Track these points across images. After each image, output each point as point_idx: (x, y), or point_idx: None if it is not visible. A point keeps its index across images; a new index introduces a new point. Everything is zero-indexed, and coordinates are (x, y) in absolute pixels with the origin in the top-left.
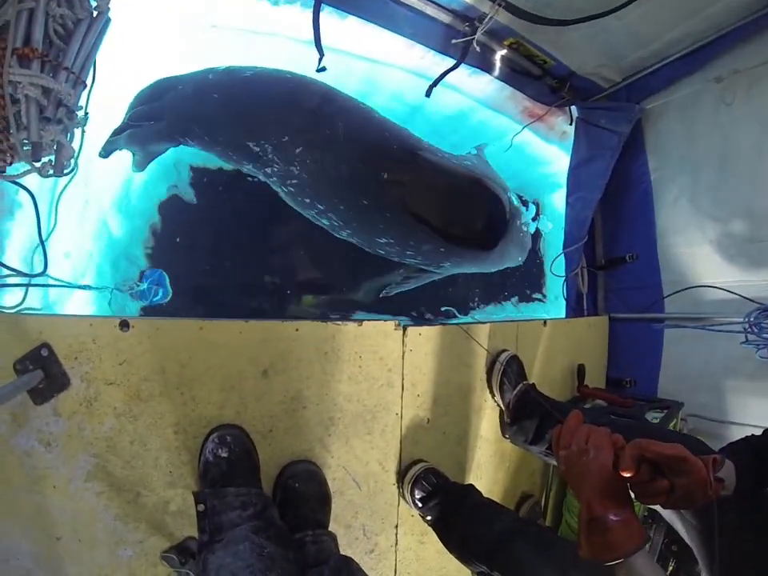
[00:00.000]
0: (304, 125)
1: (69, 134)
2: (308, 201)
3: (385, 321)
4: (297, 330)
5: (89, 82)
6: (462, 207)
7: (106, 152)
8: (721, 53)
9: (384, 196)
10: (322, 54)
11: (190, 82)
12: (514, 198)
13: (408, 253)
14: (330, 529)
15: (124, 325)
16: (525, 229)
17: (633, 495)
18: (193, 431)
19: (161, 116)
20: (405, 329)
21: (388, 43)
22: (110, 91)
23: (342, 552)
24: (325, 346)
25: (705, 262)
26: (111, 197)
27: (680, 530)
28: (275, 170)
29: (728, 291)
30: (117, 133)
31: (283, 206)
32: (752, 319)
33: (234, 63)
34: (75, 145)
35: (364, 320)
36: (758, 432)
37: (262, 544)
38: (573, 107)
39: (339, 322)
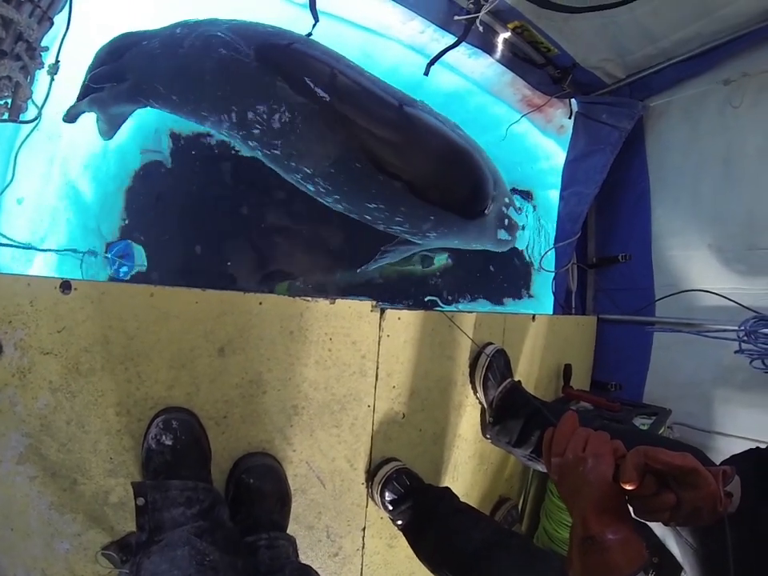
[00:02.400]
0: (290, 82)
1: (29, 75)
2: (293, 164)
3: (360, 300)
4: (260, 303)
5: (63, 25)
6: (456, 172)
7: (69, 117)
8: (731, 55)
9: (379, 156)
10: (316, 20)
11: (155, 38)
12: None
13: (397, 219)
14: (289, 530)
15: (66, 287)
16: (513, 215)
17: (631, 510)
18: (137, 413)
19: (123, 76)
20: (382, 311)
21: (387, 12)
22: (89, 42)
23: (303, 554)
24: (291, 324)
25: (701, 266)
26: (81, 155)
27: (672, 547)
28: (256, 132)
29: (724, 297)
30: (79, 98)
31: (264, 178)
32: (748, 327)
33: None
34: (42, 92)
35: (337, 298)
36: (747, 444)
37: (205, 550)
38: (573, 101)
39: (309, 298)
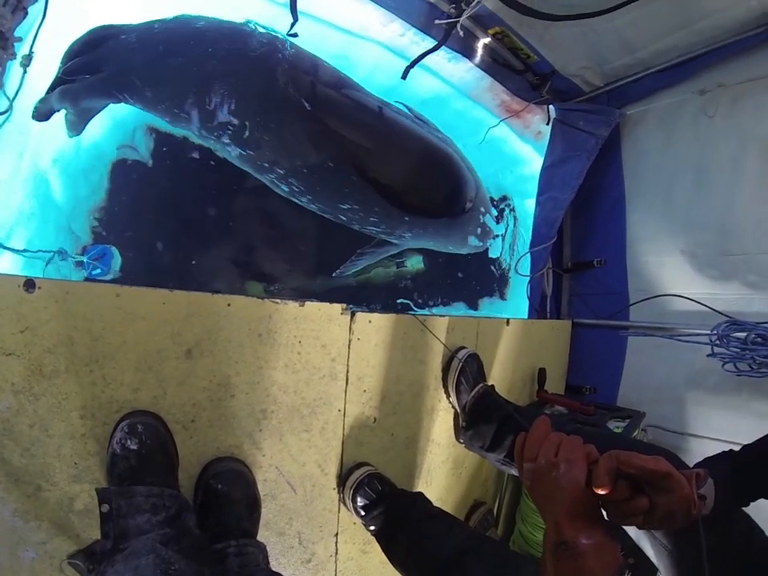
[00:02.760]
0: (264, 81)
1: (0, 65)
2: (267, 165)
3: (330, 303)
4: (228, 305)
5: (38, 15)
6: (434, 175)
7: (39, 114)
8: (707, 66)
9: (353, 157)
10: (296, 19)
11: (133, 31)
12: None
13: (371, 219)
14: (260, 536)
15: (29, 285)
16: (489, 222)
17: (605, 514)
18: (102, 417)
19: (98, 68)
20: (353, 314)
21: (368, 14)
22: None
23: (275, 561)
24: (259, 327)
25: (674, 271)
26: (52, 150)
27: (647, 549)
28: (230, 131)
29: (696, 302)
30: (50, 89)
31: (240, 177)
32: (720, 331)
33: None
34: (14, 83)
35: (306, 300)
36: (719, 445)
37: (170, 559)
38: (551, 107)
39: (277, 300)
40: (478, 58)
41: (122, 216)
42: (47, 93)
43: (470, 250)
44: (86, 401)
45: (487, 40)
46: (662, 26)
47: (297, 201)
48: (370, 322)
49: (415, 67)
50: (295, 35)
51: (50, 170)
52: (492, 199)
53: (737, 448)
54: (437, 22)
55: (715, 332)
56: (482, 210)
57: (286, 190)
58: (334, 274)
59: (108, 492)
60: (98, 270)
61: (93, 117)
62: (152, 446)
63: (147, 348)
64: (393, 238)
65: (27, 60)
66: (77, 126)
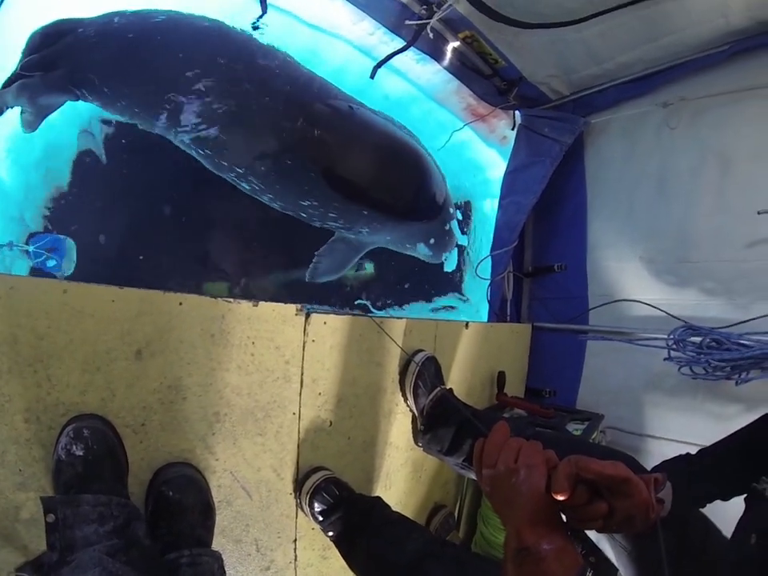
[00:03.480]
0: (222, 78)
1: None
2: (225, 164)
3: (285, 304)
4: (180, 303)
5: None
6: (398, 170)
7: None
8: (671, 80)
9: (310, 153)
10: (264, 11)
11: (91, 26)
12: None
13: (331, 215)
14: (216, 544)
15: None
16: (450, 228)
17: (564, 519)
18: (47, 420)
19: (55, 64)
20: (308, 315)
21: (338, 11)
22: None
23: (233, 569)
24: (212, 327)
25: (633, 277)
26: (3, 139)
27: (607, 550)
28: (189, 129)
29: (654, 308)
30: (6, 85)
31: (205, 174)
32: (677, 336)
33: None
34: None
35: (260, 300)
36: (676, 446)
37: (118, 571)
38: (517, 112)
39: (231, 300)
40: (446, 61)
41: (73, 208)
42: (2, 89)
43: (432, 259)
44: (30, 403)
45: (456, 43)
46: (629, 39)
47: (259, 198)
48: (325, 323)
49: (383, 67)
50: (262, 27)
51: (1, 158)
52: (456, 204)
53: (693, 448)
54: (407, 22)
55: (672, 336)
56: (450, 211)
57: (248, 188)
58: (307, 279)
59: (53, 501)
60: (53, 263)
61: (49, 114)
62: (99, 452)
63: (95, 348)
64: (352, 233)
65: None
66: (32, 123)
